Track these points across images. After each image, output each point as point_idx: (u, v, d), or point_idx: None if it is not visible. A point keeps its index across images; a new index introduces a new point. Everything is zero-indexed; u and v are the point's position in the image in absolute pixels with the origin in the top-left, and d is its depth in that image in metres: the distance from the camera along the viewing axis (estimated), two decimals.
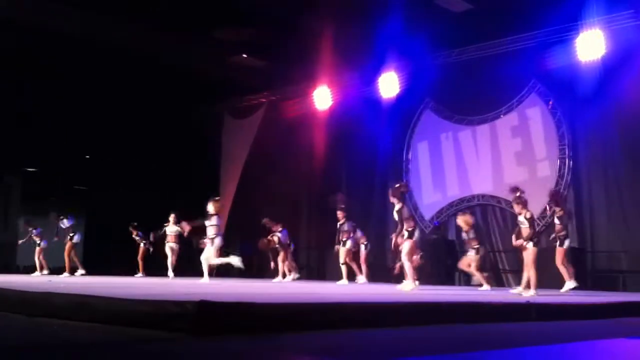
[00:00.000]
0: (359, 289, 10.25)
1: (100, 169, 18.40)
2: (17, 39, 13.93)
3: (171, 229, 14.17)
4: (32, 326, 4.58)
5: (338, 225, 12.86)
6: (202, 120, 17.84)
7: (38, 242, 14.67)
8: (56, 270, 14.87)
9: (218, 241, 11.37)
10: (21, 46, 14.25)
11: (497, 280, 13.22)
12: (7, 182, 19.67)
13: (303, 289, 9.32)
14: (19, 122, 16.53)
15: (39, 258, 14.74)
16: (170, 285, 9.06)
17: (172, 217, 14.17)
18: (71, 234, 14.39)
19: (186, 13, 13.03)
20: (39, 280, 10.65)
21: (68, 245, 14.29)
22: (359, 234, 13.11)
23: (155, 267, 14.83)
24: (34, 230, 14.76)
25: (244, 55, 15.38)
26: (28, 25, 13.57)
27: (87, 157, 19.04)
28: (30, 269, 15.45)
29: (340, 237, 12.77)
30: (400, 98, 14.83)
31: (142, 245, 15.17)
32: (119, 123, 17.27)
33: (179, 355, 3.42)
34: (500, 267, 13.49)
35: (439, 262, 13.23)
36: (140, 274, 14.84)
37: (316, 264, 16.14)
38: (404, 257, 9.45)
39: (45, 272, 14.51)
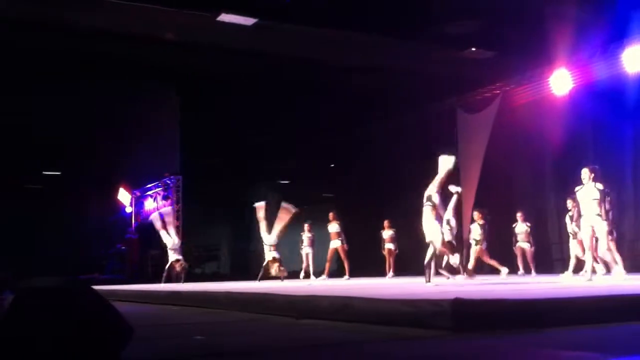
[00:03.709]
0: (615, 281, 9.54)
1: (344, 177, 19.32)
2: (263, 63, 15.15)
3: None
4: (299, 328, 4.97)
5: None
6: (436, 118, 17.91)
7: (310, 248, 15.05)
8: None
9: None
10: (276, 72, 15.47)
11: None
12: (265, 193, 21.45)
13: (557, 283, 8.92)
14: (269, 142, 17.99)
15: (312, 263, 15.03)
16: (423, 285, 9.19)
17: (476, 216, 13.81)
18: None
19: (410, 15, 13.17)
20: (300, 284, 11.39)
21: (330, 250, 14.65)
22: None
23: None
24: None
25: (473, 49, 15.16)
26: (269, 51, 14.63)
27: (332, 166, 20.12)
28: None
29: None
30: None
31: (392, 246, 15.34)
32: (358, 131, 18.01)
33: (439, 352, 3.52)
34: None
35: None
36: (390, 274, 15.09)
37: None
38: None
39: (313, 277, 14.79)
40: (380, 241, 15.22)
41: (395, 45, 14.61)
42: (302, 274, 14.97)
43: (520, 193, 15.65)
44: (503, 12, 12.90)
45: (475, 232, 13.18)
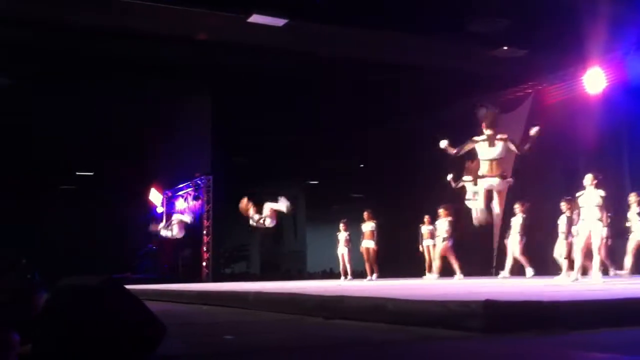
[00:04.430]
0: None
1: (374, 176, 19.27)
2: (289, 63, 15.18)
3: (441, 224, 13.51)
4: (328, 328, 4.98)
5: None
6: (467, 117, 17.78)
7: (348, 247, 14.50)
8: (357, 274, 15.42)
9: None
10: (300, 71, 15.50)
11: None
12: (293, 194, 21.51)
13: (589, 285, 8.79)
14: (298, 142, 18.02)
15: (349, 263, 14.57)
16: (459, 286, 9.12)
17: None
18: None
19: (442, 14, 13.09)
20: (330, 284, 11.35)
21: (365, 250, 14.23)
22: None
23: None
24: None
25: (505, 48, 15.02)
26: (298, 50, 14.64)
27: (362, 166, 20.09)
28: (315, 275, 16.54)
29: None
30: None
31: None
32: (388, 131, 17.94)
33: (469, 354, 3.50)
34: None
35: None
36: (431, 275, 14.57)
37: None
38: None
39: (350, 277, 14.46)
40: (418, 237, 14.31)
41: (427, 43, 14.54)
42: (348, 277, 14.42)
43: (553, 192, 15.46)
44: (535, 10, 12.76)
45: (441, 229, 13.01)
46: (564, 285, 8.46)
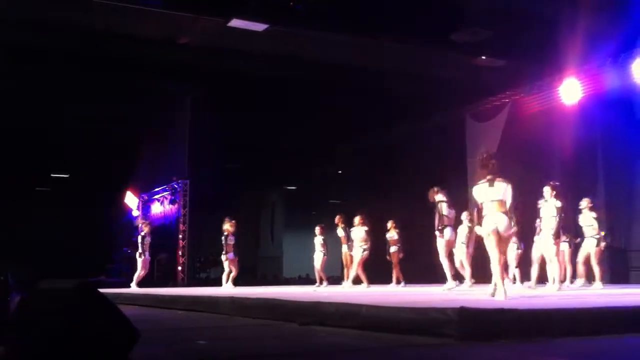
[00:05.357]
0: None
1: (351, 183, 19.30)
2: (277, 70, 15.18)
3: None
4: (303, 334, 4.96)
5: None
6: (444, 126, 17.91)
7: (323, 252, 14.25)
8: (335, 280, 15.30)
9: None
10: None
11: None
12: (271, 199, 21.49)
13: (572, 293, 8.88)
14: (279, 148, 18.01)
15: (321, 268, 14.30)
16: (432, 293, 9.16)
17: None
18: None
19: (422, 22, 13.16)
20: (305, 290, 11.32)
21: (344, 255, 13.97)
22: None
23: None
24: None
25: (483, 57, 15.14)
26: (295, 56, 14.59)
27: (340, 172, 20.12)
28: (291, 281, 16.45)
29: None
30: None
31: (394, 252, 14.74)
32: (367, 138, 17.98)
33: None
34: None
35: None
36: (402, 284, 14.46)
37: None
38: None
39: (325, 284, 14.16)
40: (385, 245, 14.04)
41: (406, 51, 14.60)
42: (324, 283, 14.18)
43: (528, 202, 15.58)
44: (514, 21, 12.90)
45: (357, 237, 12.95)
46: (538, 294, 8.52)
